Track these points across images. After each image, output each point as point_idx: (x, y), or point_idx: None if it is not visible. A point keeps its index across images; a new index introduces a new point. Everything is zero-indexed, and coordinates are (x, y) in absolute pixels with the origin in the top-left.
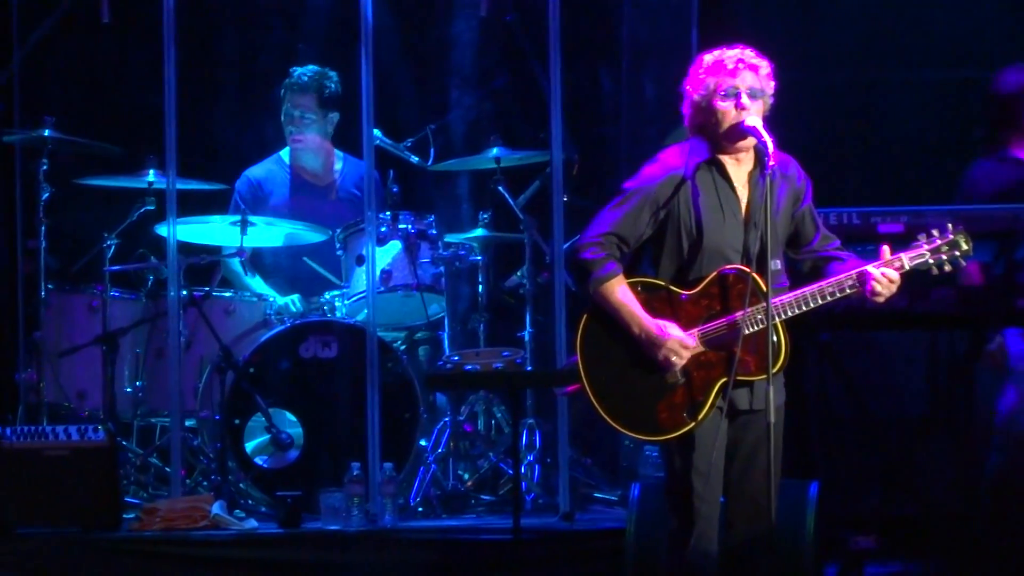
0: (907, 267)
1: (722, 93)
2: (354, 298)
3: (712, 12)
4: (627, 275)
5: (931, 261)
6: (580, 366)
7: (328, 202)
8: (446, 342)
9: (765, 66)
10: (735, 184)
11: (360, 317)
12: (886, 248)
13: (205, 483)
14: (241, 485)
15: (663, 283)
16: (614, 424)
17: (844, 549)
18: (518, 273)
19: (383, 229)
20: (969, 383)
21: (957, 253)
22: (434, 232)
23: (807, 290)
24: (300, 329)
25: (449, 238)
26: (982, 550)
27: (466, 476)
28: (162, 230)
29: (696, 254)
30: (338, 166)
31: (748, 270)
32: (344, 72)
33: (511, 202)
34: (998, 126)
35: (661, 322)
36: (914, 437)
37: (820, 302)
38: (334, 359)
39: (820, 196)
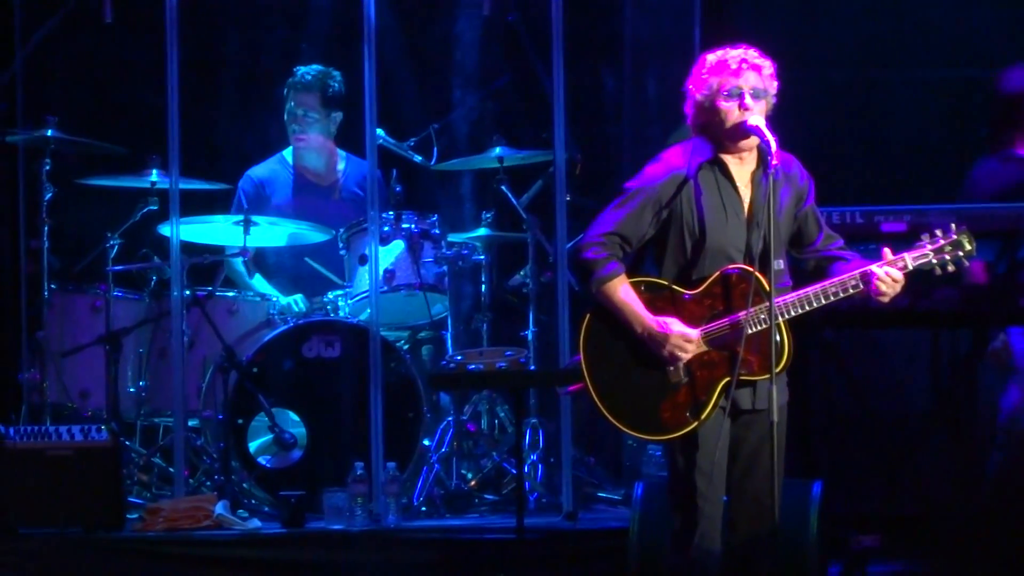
0: (910, 267)
1: (725, 93)
2: (357, 298)
3: (714, 11)
4: (630, 275)
5: (934, 261)
6: (583, 365)
7: (331, 202)
8: (449, 341)
9: (768, 66)
10: (738, 184)
11: (363, 317)
12: (887, 250)
13: (208, 483)
14: (244, 485)
15: (666, 283)
16: (617, 423)
17: (847, 548)
18: (521, 273)
19: (386, 229)
20: (972, 382)
21: (960, 253)
22: (437, 232)
23: (810, 290)
24: (303, 329)
25: (452, 237)
26: (985, 549)
27: (469, 476)
28: (165, 230)
29: (699, 254)
30: (341, 166)
31: (751, 270)
32: (347, 72)
33: (514, 201)
34: (1002, 125)
35: (663, 319)
36: (917, 436)
37: (823, 302)
38: (337, 359)
39: (822, 195)
